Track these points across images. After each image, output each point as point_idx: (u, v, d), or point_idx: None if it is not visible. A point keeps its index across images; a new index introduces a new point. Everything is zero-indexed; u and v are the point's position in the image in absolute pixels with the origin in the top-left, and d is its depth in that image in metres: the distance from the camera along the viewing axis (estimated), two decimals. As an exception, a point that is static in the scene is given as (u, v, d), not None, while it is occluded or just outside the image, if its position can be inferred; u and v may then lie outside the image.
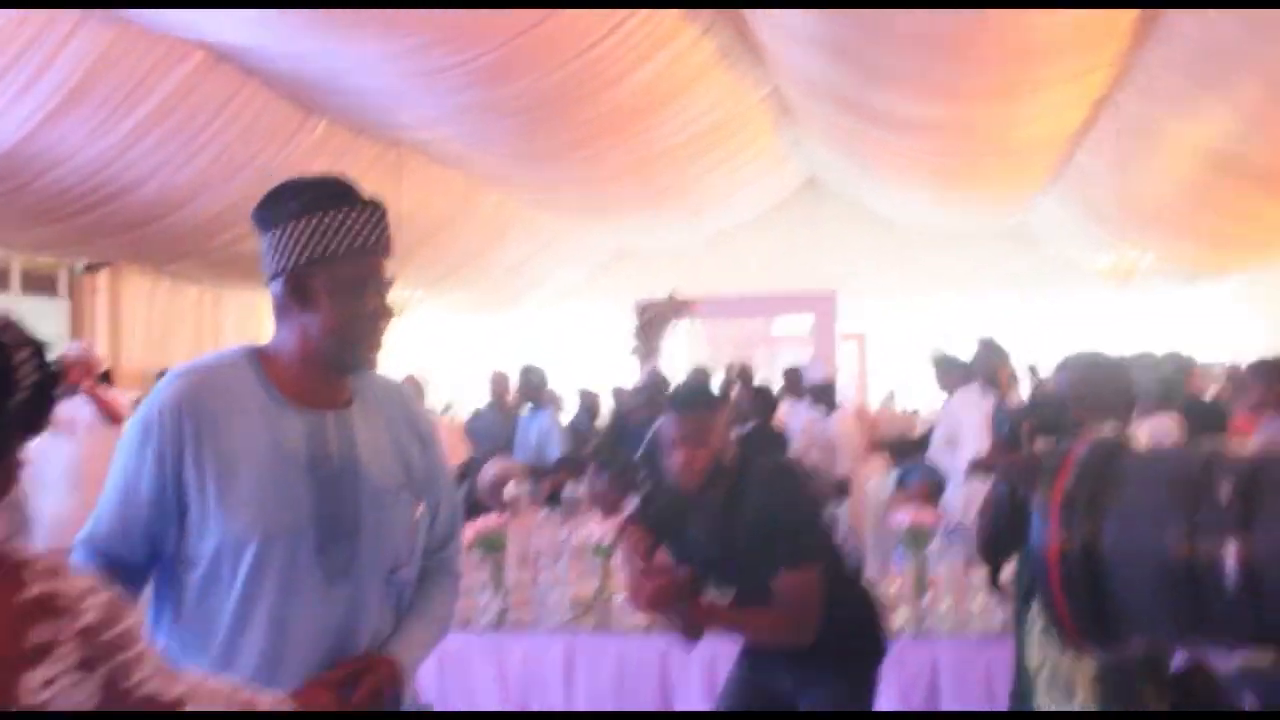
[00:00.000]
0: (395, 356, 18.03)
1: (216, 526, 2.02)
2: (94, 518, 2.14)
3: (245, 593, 2.02)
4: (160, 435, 2.03)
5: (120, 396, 7.70)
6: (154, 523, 2.06)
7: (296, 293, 2.06)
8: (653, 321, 14.33)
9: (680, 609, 3.23)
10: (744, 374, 9.68)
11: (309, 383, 2.10)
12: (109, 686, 1.36)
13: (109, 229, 11.64)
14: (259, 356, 2.13)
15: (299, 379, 2.09)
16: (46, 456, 7.32)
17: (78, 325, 14.16)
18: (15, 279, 13.27)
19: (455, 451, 7.34)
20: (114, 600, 1.39)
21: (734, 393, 8.77)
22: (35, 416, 1.42)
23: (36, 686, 1.29)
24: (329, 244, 2.02)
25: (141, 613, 1.53)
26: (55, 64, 8.09)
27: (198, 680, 1.54)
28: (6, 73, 8.02)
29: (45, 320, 14.04)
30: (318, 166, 11.37)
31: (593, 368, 14.59)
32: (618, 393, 9.73)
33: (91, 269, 13.89)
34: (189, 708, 1.46)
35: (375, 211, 2.08)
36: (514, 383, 8.65)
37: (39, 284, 13.87)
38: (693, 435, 3.26)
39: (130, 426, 2.11)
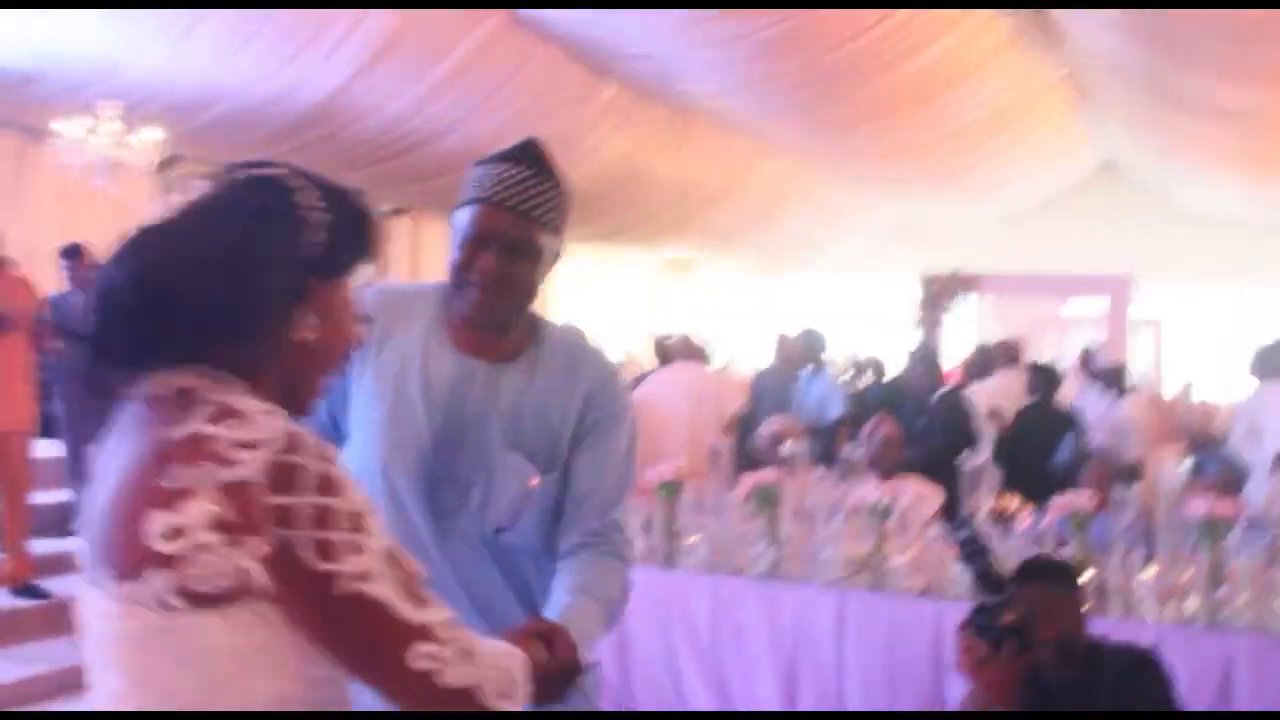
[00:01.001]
0: (678, 313, 18.32)
1: (356, 442, 2.06)
2: None
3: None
4: None
5: None
6: (327, 429, 2.08)
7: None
8: (938, 295, 14.08)
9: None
10: (1008, 351, 9.38)
11: (470, 328, 2.05)
12: (286, 569, 1.14)
13: (411, 177, 12.19)
14: (447, 293, 2.10)
15: (462, 322, 2.06)
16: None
17: (380, 267, 14.91)
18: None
19: (731, 404, 7.40)
20: (290, 466, 1.15)
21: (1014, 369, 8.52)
22: (327, 262, 1.32)
23: (162, 531, 1.12)
24: (466, 190, 2.03)
25: (354, 498, 1.20)
26: (365, 23, 8.59)
27: (458, 627, 1.29)
28: (322, 31, 8.57)
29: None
30: (606, 127, 11.66)
31: (873, 337, 14.45)
32: (911, 357, 9.48)
33: (395, 214, 14.62)
34: (435, 649, 1.22)
35: (520, 171, 2.00)
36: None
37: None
38: (1043, 611, 2.98)
39: None
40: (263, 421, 1.16)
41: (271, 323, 1.26)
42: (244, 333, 1.23)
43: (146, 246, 1.25)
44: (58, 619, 5.94)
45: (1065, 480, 5.94)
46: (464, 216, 2.01)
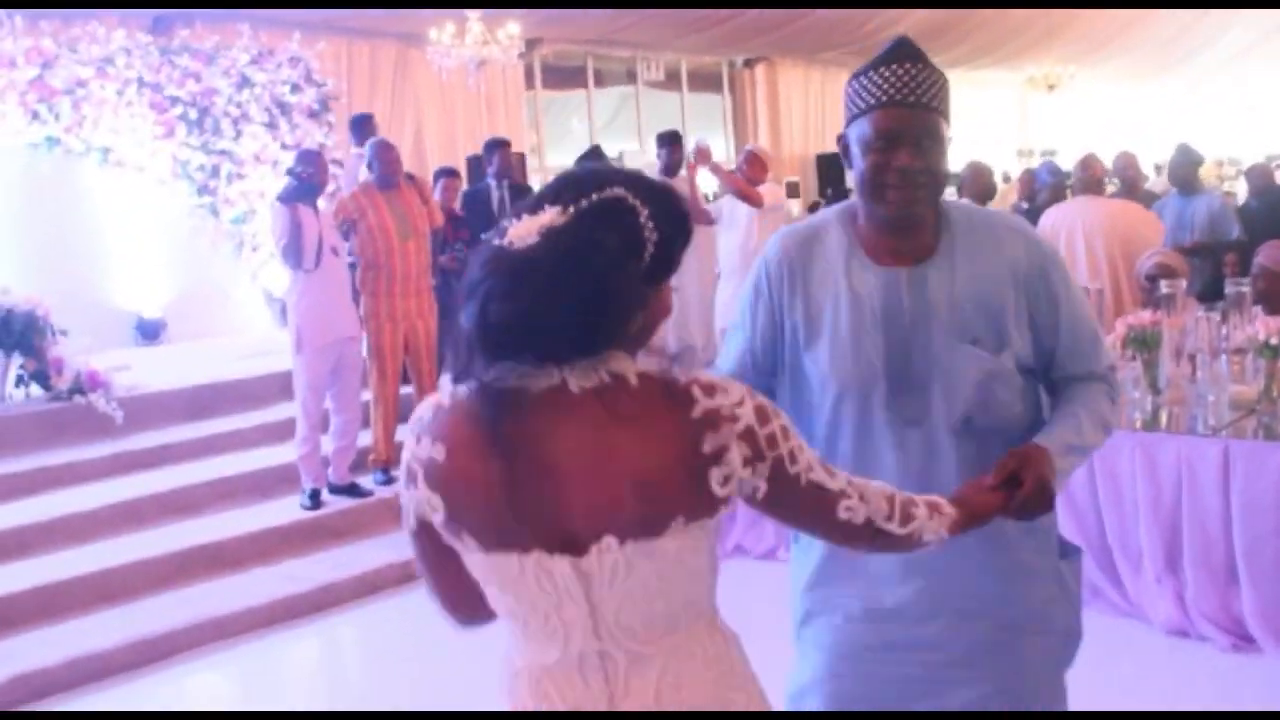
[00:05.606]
0: (1047, 130, 17.48)
1: (809, 376, 2.21)
2: (721, 357, 2.38)
3: (827, 437, 2.19)
4: (767, 291, 2.24)
5: (765, 189, 7.90)
6: (764, 371, 2.27)
7: (844, 153, 2.17)
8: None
9: None
10: None
11: (883, 239, 2.15)
12: (776, 476, 1.58)
13: (764, 26, 12.22)
14: (849, 215, 2.23)
15: (874, 236, 2.16)
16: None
17: (740, 117, 15.13)
18: (684, 79, 14.44)
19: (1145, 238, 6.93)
20: (762, 406, 1.57)
21: None
22: (661, 270, 1.55)
23: (718, 484, 1.53)
24: (856, 103, 2.09)
25: (786, 416, 1.62)
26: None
27: (854, 479, 1.68)
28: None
29: (710, 114, 15.16)
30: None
31: (1263, 138, 13.29)
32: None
33: (750, 64, 14.76)
34: (850, 501, 1.65)
35: (909, 68, 2.05)
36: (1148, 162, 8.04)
37: (704, 82, 14.99)
38: None
39: (745, 286, 2.32)
40: (731, 388, 1.56)
41: (625, 332, 1.54)
42: (604, 344, 1.52)
43: (530, 278, 1.47)
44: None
45: None
46: (864, 125, 2.08)
